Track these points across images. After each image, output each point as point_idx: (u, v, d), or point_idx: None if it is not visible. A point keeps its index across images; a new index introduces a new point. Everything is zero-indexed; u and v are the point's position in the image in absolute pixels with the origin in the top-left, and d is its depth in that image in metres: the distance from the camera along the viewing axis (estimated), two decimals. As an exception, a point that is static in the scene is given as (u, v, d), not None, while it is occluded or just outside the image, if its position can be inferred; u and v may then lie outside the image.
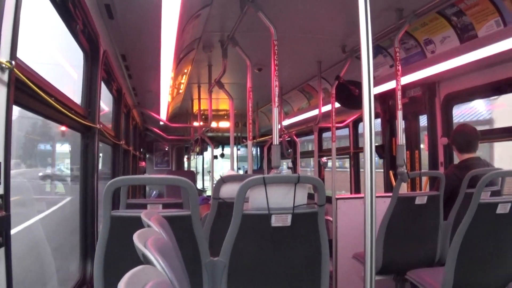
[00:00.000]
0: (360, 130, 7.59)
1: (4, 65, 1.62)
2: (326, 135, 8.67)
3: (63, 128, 4.91)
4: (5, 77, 1.65)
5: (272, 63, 3.62)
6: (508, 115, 8.33)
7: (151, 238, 1.21)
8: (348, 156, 7.94)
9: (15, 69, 1.68)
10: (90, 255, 3.28)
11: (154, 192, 12.22)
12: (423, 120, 5.66)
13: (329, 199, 3.70)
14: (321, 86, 6.50)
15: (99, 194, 3.41)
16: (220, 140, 13.27)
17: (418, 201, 3.57)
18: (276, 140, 3.56)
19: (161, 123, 9.76)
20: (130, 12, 3.50)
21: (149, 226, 1.63)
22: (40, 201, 6.13)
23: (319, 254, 2.69)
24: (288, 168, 9.79)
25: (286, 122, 9.46)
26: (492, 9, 3.72)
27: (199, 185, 13.95)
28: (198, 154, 13.26)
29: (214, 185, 3.65)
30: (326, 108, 6.53)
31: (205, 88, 7.29)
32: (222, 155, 14.06)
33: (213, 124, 7.29)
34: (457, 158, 4.23)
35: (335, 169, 6.05)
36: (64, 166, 7.52)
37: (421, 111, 5.54)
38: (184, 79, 7.02)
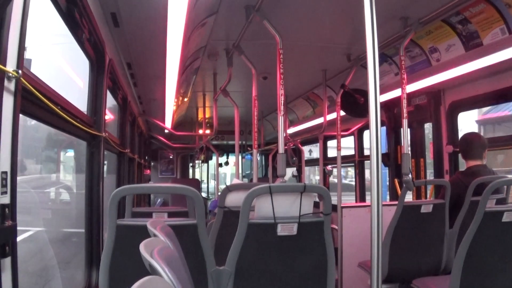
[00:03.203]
0: (365, 138, 7.58)
1: (11, 74, 1.62)
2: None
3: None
4: (12, 86, 1.66)
5: (278, 71, 3.62)
6: None
7: (157, 247, 1.21)
8: (353, 164, 7.92)
9: (21, 78, 1.68)
10: (95, 264, 3.27)
11: (159, 200, 12.20)
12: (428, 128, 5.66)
13: (334, 208, 3.69)
14: (326, 95, 6.49)
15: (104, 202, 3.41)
16: (225, 148, 13.25)
17: (423, 209, 3.56)
18: (281, 148, 3.56)
19: (166, 131, 9.76)
20: (136, 20, 3.51)
21: (155, 235, 1.63)
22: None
23: (325, 263, 2.67)
24: (293, 176, 9.77)
25: (291, 130, 9.45)
26: (497, 17, 3.71)
27: (204, 194, 13.94)
28: (203, 162, 13.26)
29: (219, 193, 3.64)
30: (331, 116, 6.53)
31: (210, 96, 7.30)
32: (227, 163, 14.06)
33: (218, 132, 7.29)
34: (462, 167, 4.22)
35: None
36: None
37: (427, 119, 5.54)
38: (189, 87, 7.03)
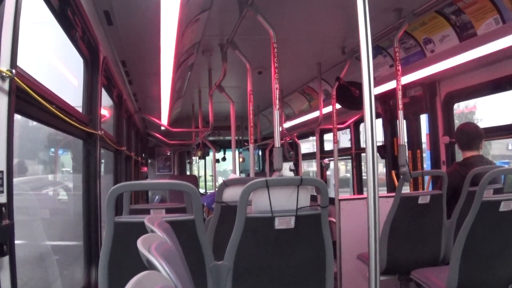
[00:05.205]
0: (361, 131, 7.59)
1: (4, 74, 1.62)
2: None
3: None
4: (6, 85, 1.66)
5: (272, 65, 3.62)
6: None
7: (155, 243, 1.21)
8: (349, 157, 7.93)
9: (15, 78, 1.68)
10: (94, 261, 3.27)
11: (157, 197, 12.19)
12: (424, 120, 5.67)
13: (331, 200, 3.70)
14: (322, 88, 6.49)
15: (101, 200, 3.41)
16: (222, 144, 13.23)
17: (421, 200, 3.56)
18: (277, 142, 3.56)
19: (163, 128, 9.75)
20: (129, 18, 3.50)
21: (152, 231, 1.63)
22: None
23: (323, 255, 2.68)
24: (290, 170, 9.78)
25: (288, 125, 9.45)
26: (490, 7, 3.72)
27: (201, 190, 13.94)
28: (200, 158, 13.25)
29: (216, 189, 3.64)
30: (327, 109, 6.53)
31: (206, 92, 7.27)
32: (224, 159, 14.06)
33: (215, 128, 7.27)
34: (459, 157, 4.24)
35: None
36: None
37: (422, 111, 5.55)
38: (184, 84, 7.02)
